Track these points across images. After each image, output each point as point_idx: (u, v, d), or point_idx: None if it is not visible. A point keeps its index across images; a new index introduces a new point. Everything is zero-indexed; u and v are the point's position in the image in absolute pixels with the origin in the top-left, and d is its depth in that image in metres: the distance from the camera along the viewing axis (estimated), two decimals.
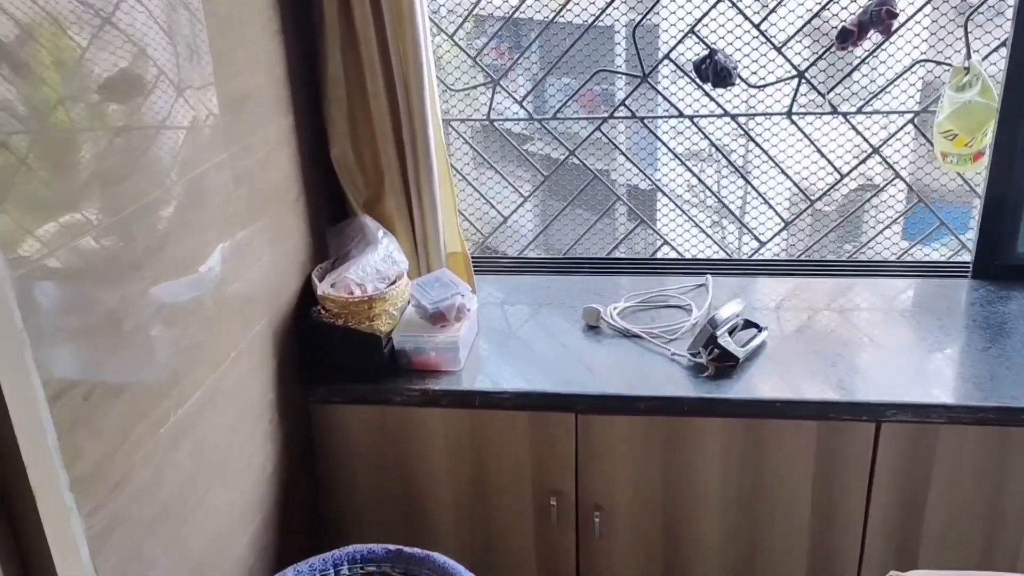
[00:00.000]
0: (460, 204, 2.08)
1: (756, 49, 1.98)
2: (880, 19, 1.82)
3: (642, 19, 1.96)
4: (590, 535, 1.72)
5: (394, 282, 1.74)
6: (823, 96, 1.99)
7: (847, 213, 2.18)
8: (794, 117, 2.01)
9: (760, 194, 2.15)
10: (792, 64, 1.96)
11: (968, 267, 2.02)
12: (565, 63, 2.09)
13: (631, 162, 2.24)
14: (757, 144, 2.08)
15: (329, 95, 1.79)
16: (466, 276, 1.95)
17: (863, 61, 1.96)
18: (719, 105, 2.04)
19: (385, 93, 1.79)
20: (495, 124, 2.18)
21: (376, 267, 1.73)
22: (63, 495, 1.00)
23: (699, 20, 1.96)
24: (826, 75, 1.98)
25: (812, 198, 2.13)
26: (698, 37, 1.97)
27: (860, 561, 1.66)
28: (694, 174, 2.19)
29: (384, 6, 1.70)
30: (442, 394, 1.67)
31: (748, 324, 1.77)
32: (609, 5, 1.99)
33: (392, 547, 1.45)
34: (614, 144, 2.20)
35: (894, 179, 2.10)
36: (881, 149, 2.02)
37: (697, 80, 1.96)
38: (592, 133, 2.13)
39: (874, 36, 1.85)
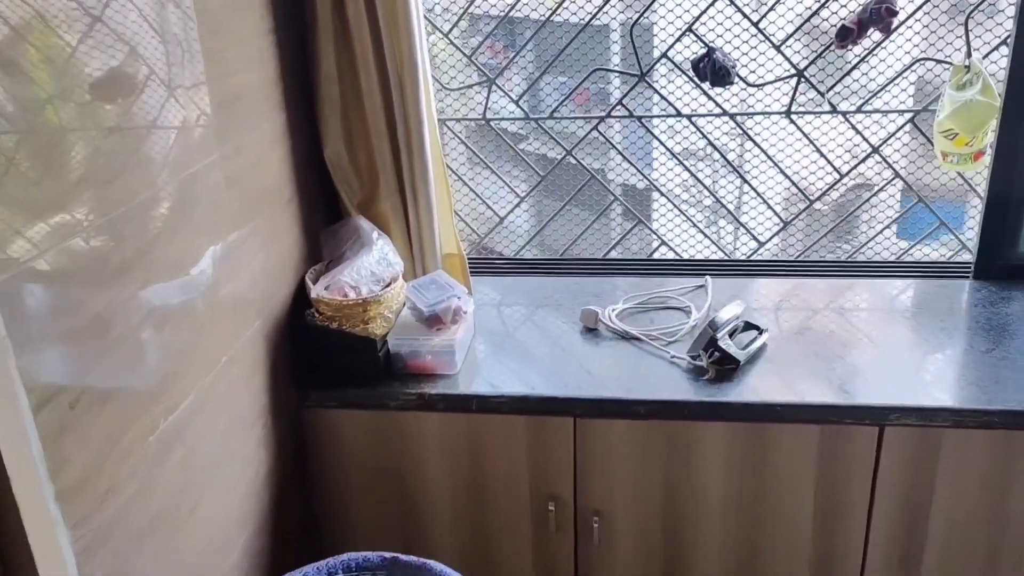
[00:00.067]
0: (456, 204, 2.05)
1: (755, 48, 1.97)
2: (880, 17, 1.80)
3: (639, 17, 1.94)
4: (589, 541, 1.70)
5: (389, 284, 1.72)
6: (822, 95, 1.97)
7: (844, 212, 2.16)
8: (793, 116, 1.99)
9: (759, 194, 2.13)
10: (791, 63, 1.94)
11: (969, 267, 2.00)
12: (561, 62, 2.08)
13: (628, 162, 2.21)
14: (756, 144, 2.06)
15: (323, 94, 1.76)
16: (462, 278, 1.92)
17: (862, 60, 1.94)
18: (717, 104, 2.02)
19: (380, 92, 1.76)
20: (491, 123, 2.15)
21: (371, 269, 1.71)
22: (49, 506, 0.98)
23: (697, 18, 1.94)
24: (825, 74, 1.97)
25: (811, 198, 2.11)
26: (696, 35, 1.95)
27: (863, 568, 1.64)
28: (693, 175, 2.17)
29: (378, 3, 1.68)
30: (438, 398, 1.65)
31: (748, 326, 1.75)
32: (606, 3, 1.97)
33: (388, 554, 1.43)
34: (611, 144, 2.18)
35: (894, 179, 2.08)
36: (879, 148, 2.01)
37: (695, 79, 1.94)
38: (589, 132, 2.11)
39: (873, 34, 1.84)
